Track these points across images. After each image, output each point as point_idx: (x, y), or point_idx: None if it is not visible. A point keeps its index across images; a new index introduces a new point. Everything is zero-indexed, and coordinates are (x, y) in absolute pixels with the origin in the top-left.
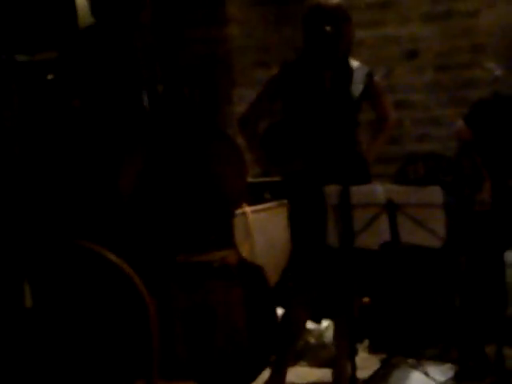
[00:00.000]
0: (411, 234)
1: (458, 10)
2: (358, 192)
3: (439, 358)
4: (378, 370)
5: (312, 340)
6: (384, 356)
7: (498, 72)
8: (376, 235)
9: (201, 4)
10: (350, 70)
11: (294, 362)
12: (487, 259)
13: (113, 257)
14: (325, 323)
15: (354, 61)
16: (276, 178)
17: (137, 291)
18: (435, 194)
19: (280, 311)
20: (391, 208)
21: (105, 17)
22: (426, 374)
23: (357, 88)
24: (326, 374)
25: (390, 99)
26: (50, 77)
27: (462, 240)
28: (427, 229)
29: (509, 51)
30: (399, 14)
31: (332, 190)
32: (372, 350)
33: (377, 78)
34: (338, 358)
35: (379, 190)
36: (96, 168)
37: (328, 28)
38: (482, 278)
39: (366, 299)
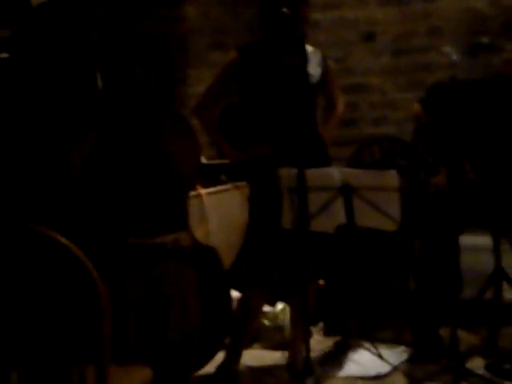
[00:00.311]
0: (367, 218)
1: None
2: (314, 175)
3: (393, 341)
4: (332, 351)
5: (267, 322)
6: (338, 338)
7: (455, 56)
8: (331, 218)
9: None
10: (306, 53)
11: (249, 344)
12: (442, 242)
13: (62, 239)
14: (280, 306)
15: (307, 44)
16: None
17: (87, 274)
18: (391, 177)
19: (235, 293)
20: (347, 191)
21: None
22: (380, 356)
23: (316, 71)
24: (280, 356)
25: (347, 82)
26: (4, 55)
27: (416, 223)
28: (382, 212)
29: (466, 36)
30: None
31: (288, 173)
32: (327, 332)
33: (330, 62)
34: (292, 341)
35: (335, 173)
36: (46, 144)
37: (285, 9)
38: (436, 262)
39: (321, 282)
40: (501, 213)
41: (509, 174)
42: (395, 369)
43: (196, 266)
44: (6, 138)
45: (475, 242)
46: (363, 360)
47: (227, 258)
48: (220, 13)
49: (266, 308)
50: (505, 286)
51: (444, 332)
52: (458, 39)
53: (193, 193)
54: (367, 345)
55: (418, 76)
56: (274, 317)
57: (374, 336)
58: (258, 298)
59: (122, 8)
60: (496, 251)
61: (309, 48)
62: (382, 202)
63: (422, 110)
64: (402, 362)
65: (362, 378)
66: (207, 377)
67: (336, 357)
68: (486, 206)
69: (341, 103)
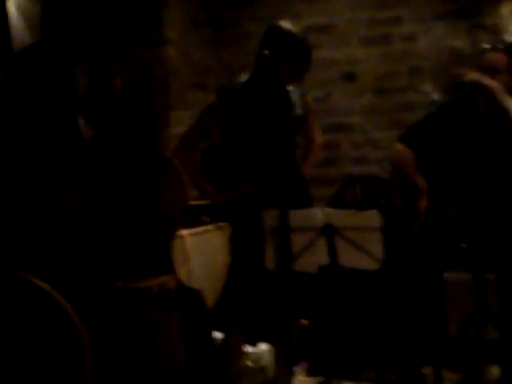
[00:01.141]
0: (349, 257)
1: (395, 33)
2: (297, 215)
3: (377, 381)
4: None
5: (250, 363)
6: (322, 379)
7: (435, 95)
8: (314, 258)
9: (138, 25)
10: (287, 93)
11: None
12: (426, 280)
13: (44, 285)
14: (262, 346)
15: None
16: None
17: (69, 320)
18: (373, 217)
19: (218, 334)
20: (329, 231)
21: (55, 33)
22: None
23: (297, 111)
24: None
25: (328, 122)
26: None
27: (400, 262)
28: (365, 252)
29: (445, 75)
30: (337, 37)
31: (270, 214)
32: (310, 372)
33: (309, 98)
34: (275, 381)
35: (318, 214)
36: (32, 192)
37: (266, 52)
38: (420, 300)
39: (304, 322)
40: (483, 250)
41: (490, 211)
42: None
43: (180, 309)
44: None
45: (459, 279)
46: None
47: (209, 298)
48: (201, 54)
49: (249, 349)
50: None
51: (428, 371)
52: (438, 78)
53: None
54: None
55: (398, 115)
56: (257, 358)
57: (357, 376)
58: (240, 339)
59: (103, 50)
60: (478, 289)
61: (289, 86)
62: (364, 241)
63: (405, 147)
64: None
65: None
66: None
67: None
68: (468, 244)
69: (319, 137)
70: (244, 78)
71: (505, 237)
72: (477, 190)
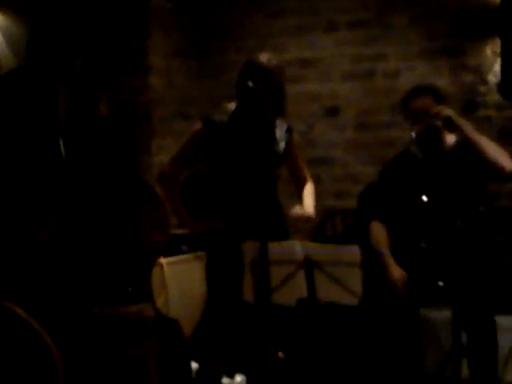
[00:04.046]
0: (328, 292)
1: (379, 70)
2: (276, 248)
3: None
4: None
5: None
6: None
7: (414, 134)
8: (293, 291)
9: (122, 52)
10: (273, 126)
11: None
12: (403, 316)
13: (21, 311)
14: (238, 378)
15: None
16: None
17: (44, 346)
18: (353, 253)
19: (194, 365)
20: (309, 265)
21: (39, 59)
22: None
23: (280, 145)
24: None
25: (310, 155)
26: None
27: (378, 297)
28: (344, 287)
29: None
30: (320, 72)
31: (250, 246)
32: None
33: (294, 135)
34: None
35: (297, 247)
36: (10, 217)
37: (250, 83)
38: (397, 336)
39: (281, 354)
40: (459, 288)
41: (468, 248)
42: None
43: (158, 338)
44: None
45: (436, 316)
46: None
47: (186, 327)
48: (184, 82)
49: (226, 380)
50: (464, 362)
51: None
52: None
53: None
54: None
55: (380, 151)
56: None
57: None
58: (215, 369)
59: (86, 77)
60: (454, 327)
61: (277, 120)
62: (343, 276)
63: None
64: None
65: None
66: None
67: None
68: (444, 281)
69: (309, 175)
70: (230, 107)
71: (478, 273)
72: (449, 225)
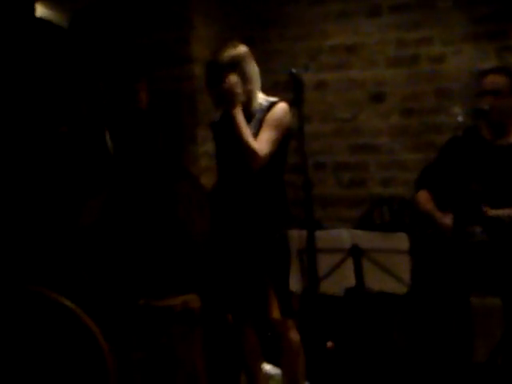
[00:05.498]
0: (376, 280)
1: (423, 54)
2: (324, 237)
3: None
4: None
5: None
6: None
7: (461, 118)
8: (341, 281)
9: (165, 43)
10: (251, 115)
11: None
12: (453, 304)
13: (69, 303)
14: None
15: (265, 98)
16: None
17: (94, 339)
18: (401, 240)
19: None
20: (357, 253)
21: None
22: None
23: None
24: None
25: (356, 142)
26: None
27: (427, 285)
28: (393, 275)
29: (474, 97)
30: (365, 58)
31: (297, 235)
32: None
33: (279, 109)
34: None
35: (345, 235)
36: (57, 204)
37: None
38: (447, 325)
39: (330, 344)
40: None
41: None
42: None
43: (204, 329)
44: (19, 196)
45: (487, 304)
46: None
47: None
48: None
49: (266, 366)
50: None
51: None
52: (466, 100)
53: None
54: None
55: (426, 137)
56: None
57: None
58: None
59: (131, 68)
60: (507, 314)
61: (263, 101)
62: (391, 264)
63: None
64: None
65: None
66: None
67: None
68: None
69: (263, 150)
70: None
71: None
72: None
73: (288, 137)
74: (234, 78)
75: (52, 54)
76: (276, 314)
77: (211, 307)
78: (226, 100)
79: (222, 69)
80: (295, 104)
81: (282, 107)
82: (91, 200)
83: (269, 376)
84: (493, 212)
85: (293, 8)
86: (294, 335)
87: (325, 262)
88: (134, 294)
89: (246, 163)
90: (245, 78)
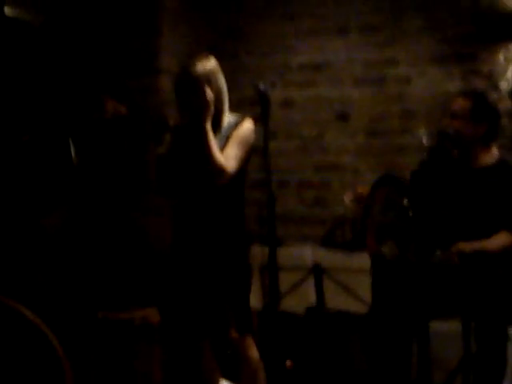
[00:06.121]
0: (337, 299)
1: (390, 75)
2: (286, 254)
3: None
4: None
5: None
6: None
7: (425, 140)
8: (302, 299)
9: (132, 53)
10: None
11: None
12: (412, 325)
13: (29, 313)
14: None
15: (231, 116)
16: None
17: (52, 349)
18: (362, 260)
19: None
20: (318, 272)
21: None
22: None
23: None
24: None
25: (320, 161)
26: None
27: (387, 306)
28: (353, 294)
29: (439, 120)
30: (332, 77)
31: (260, 251)
32: None
33: (246, 126)
34: None
35: (307, 253)
36: (17, 215)
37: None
38: (405, 345)
39: (288, 363)
40: (471, 298)
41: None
42: None
43: (162, 344)
44: None
45: (445, 327)
46: None
47: None
48: None
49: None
50: None
51: None
52: (432, 122)
53: None
54: None
55: (390, 157)
56: None
57: None
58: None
59: (95, 78)
60: (465, 337)
61: (229, 116)
62: (352, 284)
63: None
64: None
65: None
66: None
67: None
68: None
69: (229, 167)
70: None
71: (493, 285)
72: (466, 235)
73: (250, 154)
74: (210, 91)
75: (16, 60)
76: (234, 331)
77: (170, 322)
78: (200, 112)
79: (196, 80)
80: (261, 120)
81: (248, 124)
82: (53, 210)
83: None
84: (463, 246)
85: (262, 24)
86: (253, 353)
87: (286, 280)
88: (93, 307)
89: (208, 178)
90: (216, 92)
